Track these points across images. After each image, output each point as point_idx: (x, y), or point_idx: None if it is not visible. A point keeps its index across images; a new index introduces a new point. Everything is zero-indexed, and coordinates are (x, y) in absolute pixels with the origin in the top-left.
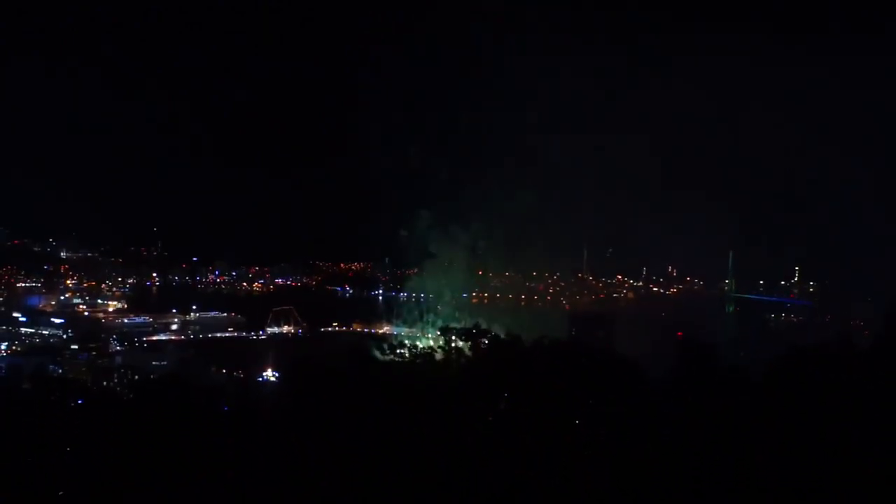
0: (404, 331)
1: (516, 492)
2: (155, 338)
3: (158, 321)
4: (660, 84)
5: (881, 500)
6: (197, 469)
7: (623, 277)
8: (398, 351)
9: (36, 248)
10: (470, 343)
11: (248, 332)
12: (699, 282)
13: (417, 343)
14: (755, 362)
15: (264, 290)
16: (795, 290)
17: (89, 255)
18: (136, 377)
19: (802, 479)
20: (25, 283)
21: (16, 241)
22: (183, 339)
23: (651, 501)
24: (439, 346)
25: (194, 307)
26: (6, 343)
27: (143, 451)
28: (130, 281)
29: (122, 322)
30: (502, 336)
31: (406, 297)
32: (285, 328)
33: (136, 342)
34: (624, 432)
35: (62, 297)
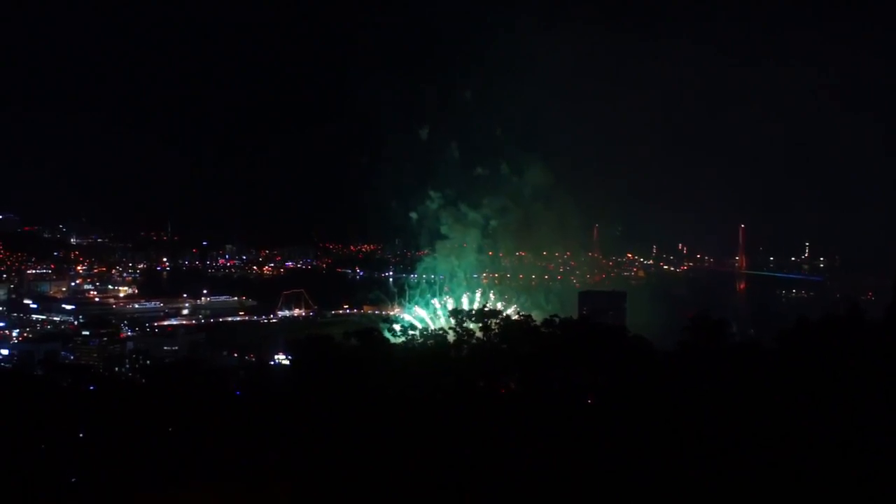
0: (415, 312)
1: (529, 470)
2: (166, 323)
3: (169, 306)
4: (669, 62)
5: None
6: (210, 452)
7: (633, 255)
8: (409, 333)
9: (46, 235)
10: (481, 324)
11: (259, 315)
12: (709, 259)
13: (429, 324)
14: (766, 339)
15: (274, 273)
16: (806, 266)
17: (99, 240)
18: (148, 362)
19: (812, 450)
20: (36, 269)
21: (26, 228)
22: (194, 324)
23: (662, 478)
24: (450, 328)
25: (205, 291)
26: (17, 330)
27: (157, 436)
28: (141, 266)
29: (133, 307)
30: (513, 316)
31: (417, 278)
32: (296, 311)
33: (148, 327)
34: (636, 409)
35: (73, 283)
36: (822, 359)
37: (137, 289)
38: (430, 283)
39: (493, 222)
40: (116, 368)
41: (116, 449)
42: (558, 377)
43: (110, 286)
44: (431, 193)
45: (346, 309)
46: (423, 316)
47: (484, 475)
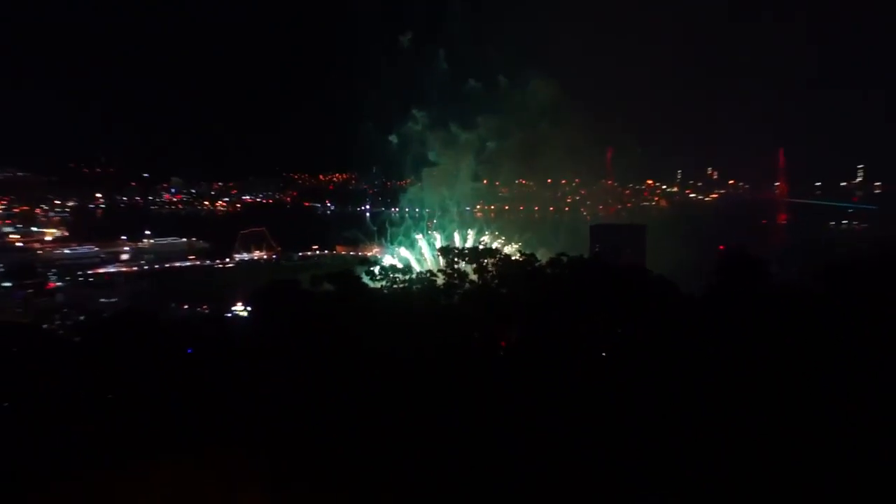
0: (398, 253)
1: (531, 434)
2: (102, 270)
3: (105, 250)
4: None
5: None
6: (154, 417)
7: (654, 182)
8: (391, 276)
9: None
10: (475, 265)
11: (213, 259)
12: (744, 185)
13: (414, 266)
14: (811, 281)
15: (230, 209)
16: (859, 193)
17: (19, 174)
18: (82, 317)
19: (847, 398)
20: None
21: None
22: (135, 271)
23: (683, 439)
24: (439, 270)
25: (147, 233)
26: None
27: (93, 400)
28: (70, 204)
29: (63, 252)
30: (513, 256)
31: (399, 213)
32: (256, 254)
33: (80, 276)
34: (656, 364)
35: None
36: (876, 304)
37: (67, 231)
38: (414, 219)
39: (489, 145)
40: (45, 325)
41: (49, 418)
42: (566, 326)
43: (34, 228)
44: (416, 112)
45: (316, 250)
46: (406, 257)
47: (480, 441)
